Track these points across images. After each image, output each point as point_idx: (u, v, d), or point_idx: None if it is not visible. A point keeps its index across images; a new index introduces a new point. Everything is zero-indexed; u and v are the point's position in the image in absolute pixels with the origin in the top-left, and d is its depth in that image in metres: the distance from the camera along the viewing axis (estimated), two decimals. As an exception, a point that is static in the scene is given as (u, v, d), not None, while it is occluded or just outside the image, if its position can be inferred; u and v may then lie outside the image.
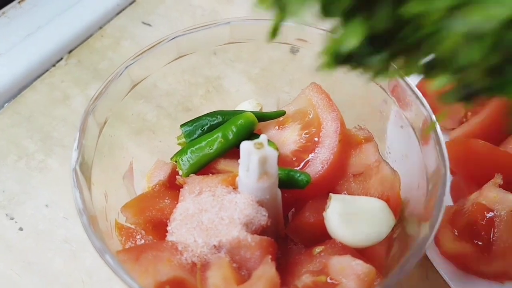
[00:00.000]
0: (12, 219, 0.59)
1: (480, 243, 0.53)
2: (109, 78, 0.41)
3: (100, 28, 0.80)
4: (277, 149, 0.45)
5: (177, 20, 0.81)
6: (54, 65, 0.75)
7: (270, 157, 0.40)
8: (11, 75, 0.71)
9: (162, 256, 0.39)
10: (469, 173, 0.58)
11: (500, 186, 0.54)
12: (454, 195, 0.58)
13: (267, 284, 0.35)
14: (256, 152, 0.39)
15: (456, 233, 0.53)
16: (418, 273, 0.56)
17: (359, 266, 0.39)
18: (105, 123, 0.42)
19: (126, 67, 0.42)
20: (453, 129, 0.64)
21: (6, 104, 0.70)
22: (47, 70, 0.74)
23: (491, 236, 0.53)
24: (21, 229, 0.59)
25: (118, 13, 0.82)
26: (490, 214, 0.52)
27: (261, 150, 0.39)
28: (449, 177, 0.38)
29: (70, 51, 0.76)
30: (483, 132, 0.60)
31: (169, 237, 0.40)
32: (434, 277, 0.56)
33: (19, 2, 0.80)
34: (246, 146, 0.39)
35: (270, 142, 0.42)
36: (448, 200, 0.55)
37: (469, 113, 0.66)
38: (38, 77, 0.73)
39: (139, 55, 0.43)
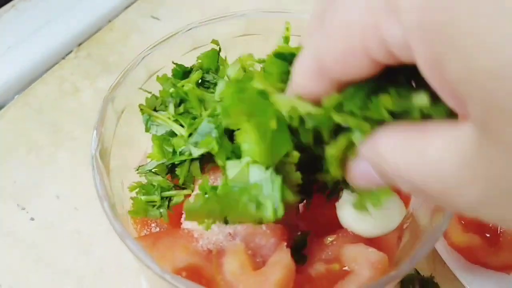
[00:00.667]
0: (23, 209, 0.60)
1: (487, 235, 0.54)
2: (126, 67, 0.41)
3: (109, 21, 0.80)
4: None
5: (186, 14, 0.82)
6: (63, 58, 0.75)
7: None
8: (21, 68, 0.72)
9: (178, 243, 0.39)
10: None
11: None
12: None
13: (283, 270, 0.36)
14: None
15: (464, 225, 0.54)
16: (426, 265, 0.57)
17: (372, 254, 0.39)
18: (122, 112, 0.42)
19: (143, 57, 0.42)
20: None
21: (16, 96, 0.71)
22: (56, 63, 0.75)
23: (499, 228, 0.53)
24: (32, 219, 0.59)
25: (127, 7, 0.82)
26: None
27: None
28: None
29: (79, 44, 0.77)
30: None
31: (185, 225, 0.41)
32: (442, 269, 0.56)
33: (28, -5, 0.80)
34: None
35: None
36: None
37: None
38: (48, 69, 0.74)
39: (155, 45, 0.44)
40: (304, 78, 0.27)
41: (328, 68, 0.25)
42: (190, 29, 0.45)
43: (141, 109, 0.42)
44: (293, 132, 0.30)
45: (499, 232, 0.53)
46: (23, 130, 0.67)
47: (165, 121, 0.40)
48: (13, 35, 0.75)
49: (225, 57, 0.45)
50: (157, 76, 0.43)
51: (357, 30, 0.23)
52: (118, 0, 0.81)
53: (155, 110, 0.41)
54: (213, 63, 0.44)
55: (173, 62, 0.44)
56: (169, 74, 0.45)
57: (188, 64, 0.45)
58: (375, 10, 0.22)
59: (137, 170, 0.42)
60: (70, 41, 0.76)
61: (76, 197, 0.61)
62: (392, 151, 0.25)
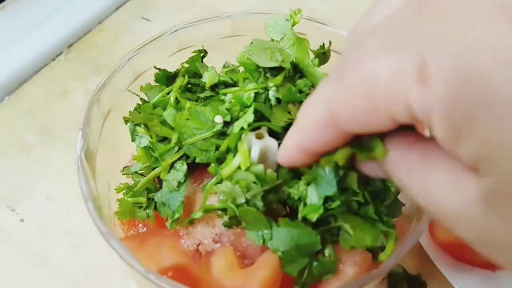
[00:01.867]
0: (13, 210, 0.60)
1: None
2: (112, 69, 0.42)
3: (100, 23, 0.80)
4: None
5: (176, 16, 0.82)
6: (54, 59, 0.76)
7: (271, 146, 0.40)
8: (11, 69, 0.72)
9: (165, 243, 0.40)
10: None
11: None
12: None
13: (271, 268, 0.36)
14: (256, 142, 0.40)
15: None
16: (413, 264, 0.57)
17: (356, 253, 0.40)
18: (108, 113, 0.42)
19: (129, 59, 0.43)
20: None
21: (7, 97, 0.71)
22: (47, 64, 0.75)
23: None
24: (22, 220, 0.59)
25: (117, 8, 0.82)
26: None
27: (263, 140, 0.40)
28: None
29: (70, 46, 0.77)
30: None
31: (171, 225, 0.41)
32: (429, 267, 0.57)
33: (18, -3, 0.80)
34: (248, 136, 0.40)
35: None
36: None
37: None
38: (38, 71, 0.74)
39: (141, 47, 0.44)
40: (314, 128, 0.27)
41: (343, 123, 0.25)
42: (176, 30, 0.45)
43: (125, 121, 0.42)
44: None
45: None
46: (13, 131, 0.68)
47: (147, 136, 0.41)
48: (3, 36, 0.75)
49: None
50: (141, 86, 0.43)
51: (381, 91, 0.23)
52: (109, 1, 0.81)
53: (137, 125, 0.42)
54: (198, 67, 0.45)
55: (155, 67, 0.44)
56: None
57: (174, 65, 0.46)
58: (404, 75, 0.22)
59: (123, 171, 0.43)
60: (60, 43, 0.76)
61: (66, 198, 0.61)
62: (398, 170, 0.25)
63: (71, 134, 0.67)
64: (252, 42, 0.43)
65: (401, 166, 0.26)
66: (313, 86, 0.43)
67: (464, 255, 0.54)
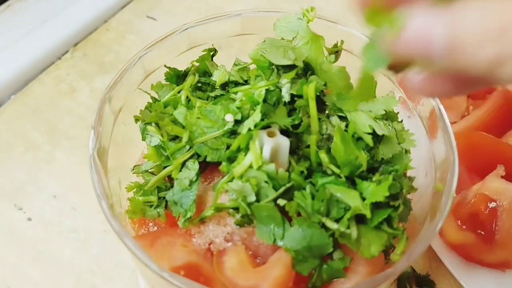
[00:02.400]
0: (20, 209, 0.60)
1: (482, 232, 0.54)
2: (123, 67, 0.42)
3: (105, 21, 0.80)
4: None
5: (182, 15, 0.82)
6: (60, 58, 0.75)
7: (282, 145, 0.40)
8: (17, 68, 0.72)
9: (176, 242, 0.39)
10: (472, 164, 0.59)
11: (502, 177, 0.55)
12: (457, 186, 0.59)
13: (284, 267, 0.36)
14: (268, 140, 0.40)
15: (459, 223, 0.55)
16: (422, 263, 0.57)
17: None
18: (119, 111, 0.42)
19: (140, 57, 0.43)
20: (455, 122, 0.65)
21: (13, 96, 0.71)
22: (53, 63, 0.75)
23: (494, 226, 0.54)
24: (29, 219, 0.59)
25: (123, 7, 0.82)
26: (493, 204, 0.54)
27: (274, 138, 0.40)
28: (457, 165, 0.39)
29: (75, 44, 0.77)
30: (485, 125, 0.62)
31: (183, 224, 0.41)
32: (437, 267, 0.57)
33: (24, -4, 0.80)
34: (259, 134, 0.40)
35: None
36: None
37: (471, 107, 0.67)
38: (44, 69, 0.74)
39: (152, 45, 0.44)
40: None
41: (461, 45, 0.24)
42: (186, 29, 0.45)
43: (136, 120, 0.42)
44: None
45: (494, 230, 0.54)
46: (20, 130, 0.67)
47: (158, 135, 0.41)
48: (9, 35, 0.75)
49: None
50: (151, 84, 0.43)
51: None
52: (114, 0, 0.81)
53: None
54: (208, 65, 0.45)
55: (165, 66, 0.44)
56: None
57: (184, 64, 0.46)
58: None
59: (133, 170, 0.43)
60: (66, 41, 0.76)
61: (73, 196, 0.61)
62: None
63: (77, 133, 0.67)
64: (264, 41, 0.43)
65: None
66: (325, 84, 0.43)
67: (473, 255, 0.53)
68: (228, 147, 0.41)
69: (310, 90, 0.40)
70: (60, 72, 0.74)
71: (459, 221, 0.55)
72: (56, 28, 0.76)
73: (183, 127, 0.41)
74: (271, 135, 0.41)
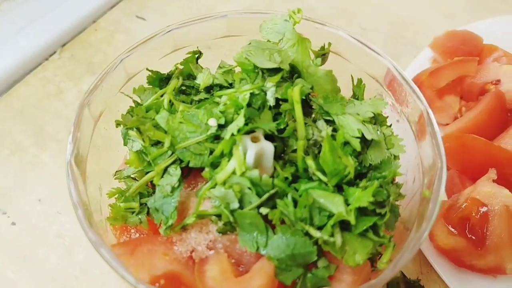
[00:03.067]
0: (4, 213, 0.59)
1: (473, 237, 0.53)
2: (104, 70, 0.41)
3: (94, 22, 0.79)
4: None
5: (172, 15, 0.81)
6: (47, 59, 0.74)
7: (266, 151, 0.39)
8: (3, 69, 0.71)
9: (157, 250, 0.38)
10: (463, 168, 0.58)
11: (494, 181, 0.54)
12: (448, 189, 0.59)
13: (266, 277, 0.35)
14: (252, 146, 0.39)
15: (450, 228, 0.54)
16: (412, 267, 0.57)
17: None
18: (100, 116, 0.41)
19: (121, 60, 0.42)
20: (447, 124, 0.65)
21: (-1, 98, 0.70)
22: (40, 64, 0.74)
23: (485, 231, 0.53)
24: (13, 223, 0.58)
25: (112, 7, 0.81)
26: (484, 209, 0.53)
27: (258, 144, 0.39)
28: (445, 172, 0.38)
29: (63, 45, 0.76)
30: (477, 127, 0.61)
31: (164, 231, 0.40)
32: (428, 272, 0.56)
33: (12, -5, 0.79)
34: (243, 139, 0.39)
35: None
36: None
37: (464, 108, 0.66)
38: (31, 71, 0.73)
39: (134, 47, 0.43)
40: None
41: None
42: (170, 30, 0.44)
43: (117, 124, 0.41)
44: None
45: (485, 234, 0.53)
46: (6, 132, 0.66)
47: (139, 140, 0.40)
48: (-5, 35, 0.74)
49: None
50: (134, 88, 0.42)
51: None
52: (103, 0, 0.80)
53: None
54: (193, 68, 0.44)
55: (147, 69, 0.43)
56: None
57: (168, 66, 0.45)
58: None
59: (115, 176, 0.42)
60: (53, 42, 0.75)
61: (59, 201, 0.60)
62: None
63: (64, 135, 0.66)
64: (250, 43, 0.42)
65: None
66: (312, 88, 0.42)
67: (464, 260, 0.53)
68: (211, 152, 0.40)
69: (295, 93, 0.39)
70: (47, 73, 0.73)
71: (449, 225, 0.54)
72: (44, 29, 0.75)
73: (166, 132, 0.40)
74: (255, 140, 0.40)
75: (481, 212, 0.53)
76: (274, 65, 0.42)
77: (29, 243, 0.57)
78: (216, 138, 0.40)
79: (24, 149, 0.65)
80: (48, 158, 0.64)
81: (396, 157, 0.43)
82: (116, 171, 0.42)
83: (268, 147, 0.39)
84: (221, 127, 0.40)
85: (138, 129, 0.40)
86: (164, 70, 0.44)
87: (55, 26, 0.76)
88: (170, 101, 0.42)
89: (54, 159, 0.64)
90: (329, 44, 0.46)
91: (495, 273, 0.52)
